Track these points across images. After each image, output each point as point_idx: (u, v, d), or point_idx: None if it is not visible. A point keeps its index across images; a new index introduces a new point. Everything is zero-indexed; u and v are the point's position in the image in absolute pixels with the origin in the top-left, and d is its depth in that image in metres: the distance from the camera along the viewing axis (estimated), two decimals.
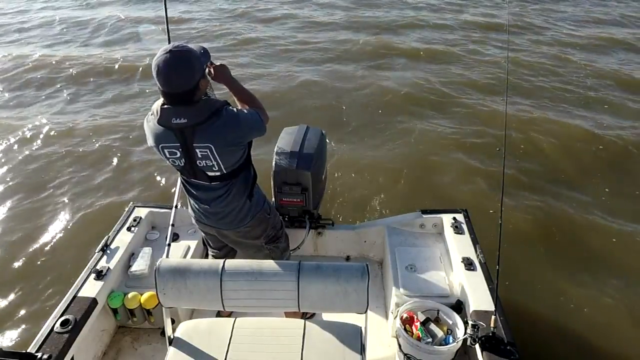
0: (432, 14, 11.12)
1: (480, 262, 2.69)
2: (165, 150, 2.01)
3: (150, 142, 2.03)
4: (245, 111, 2.05)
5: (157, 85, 1.85)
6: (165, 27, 2.76)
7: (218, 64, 2.18)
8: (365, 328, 2.06)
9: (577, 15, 11.08)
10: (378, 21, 10.61)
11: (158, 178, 5.14)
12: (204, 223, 2.33)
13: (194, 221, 2.40)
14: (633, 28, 10.21)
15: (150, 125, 1.99)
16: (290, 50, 8.93)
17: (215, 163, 2.00)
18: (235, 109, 2.01)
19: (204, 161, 2.00)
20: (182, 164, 2.04)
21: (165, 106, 1.90)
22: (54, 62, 8.41)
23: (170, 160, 2.05)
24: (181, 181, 2.27)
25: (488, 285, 2.53)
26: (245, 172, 2.18)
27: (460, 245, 2.86)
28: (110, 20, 10.95)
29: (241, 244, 2.42)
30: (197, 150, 1.96)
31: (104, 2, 12.66)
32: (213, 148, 1.94)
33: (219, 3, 12.15)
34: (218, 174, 2.06)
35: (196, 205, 2.27)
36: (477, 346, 2.22)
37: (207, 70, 2.03)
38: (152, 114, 1.97)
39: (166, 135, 1.94)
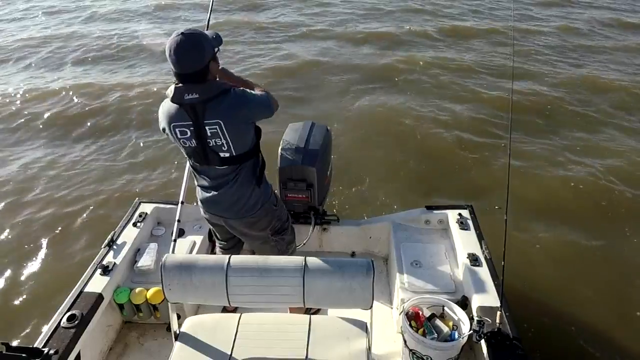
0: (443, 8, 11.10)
1: (485, 258, 2.68)
2: (177, 130, 2.08)
3: (163, 124, 2.12)
4: (253, 92, 2.15)
5: (171, 68, 1.99)
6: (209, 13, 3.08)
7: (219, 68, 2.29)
8: (371, 324, 2.06)
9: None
10: (385, 12, 10.59)
11: (164, 174, 5.15)
12: (212, 213, 2.37)
13: (202, 212, 2.43)
14: None
15: (164, 106, 2.10)
16: (295, 45, 8.92)
17: (224, 142, 2.06)
18: (242, 89, 2.12)
19: (214, 140, 2.06)
20: (194, 145, 2.10)
21: (179, 85, 2.00)
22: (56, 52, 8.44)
23: (181, 140, 2.11)
24: (191, 171, 2.33)
25: (493, 281, 2.52)
26: (254, 159, 2.24)
27: (465, 241, 2.85)
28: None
29: (248, 235, 2.45)
30: (207, 128, 2.03)
31: None
32: (222, 124, 2.01)
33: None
34: (228, 155, 2.12)
35: (205, 194, 2.31)
36: (482, 342, 2.22)
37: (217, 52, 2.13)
38: (166, 97, 2.07)
39: (179, 113, 2.03)
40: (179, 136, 2.09)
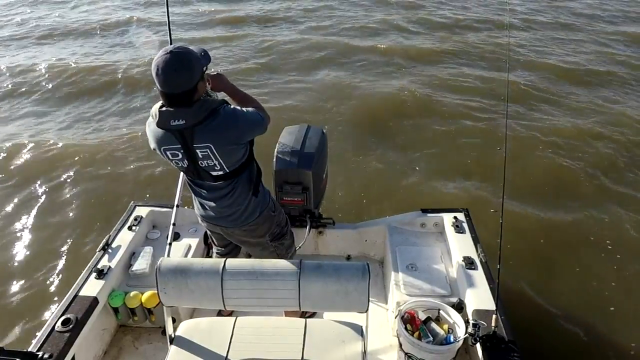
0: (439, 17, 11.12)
1: (481, 261, 2.69)
2: (168, 153, 2.02)
3: (152, 145, 2.04)
4: (244, 109, 2.05)
5: (156, 86, 1.86)
6: (168, 29, 2.76)
7: (214, 73, 2.19)
8: (366, 327, 2.06)
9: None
10: (379, 23, 10.60)
11: (159, 177, 5.14)
12: (210, 222, 2.34)
13: (200, 220, 2.41)
14: None
15: (151, 128, 2.00)
16: (292, 50, 8.92)
17: (216, 162, 2.01)
18: (233, 107, 2.02)
19: (205, 161, 2.01)
20: (186, 165, 2.06)
21: (164, 109, 1.90)
22: (55, 68, 8.41)
23: (173, 162, 2.06)
24: (187, 182, 2.28)
25: (489, 285, 2.53)
26: (249, 169, 2.18)
27: (461, 245, 2.85)
28: (112, 25, 10.94)
29: (246, 242, 2.43)
30: (198, 151, 1.97)
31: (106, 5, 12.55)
32: (213, 147, 1.95)
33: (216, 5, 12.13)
34: (221, 173, 2.07)
35: (202, 204, 2.28)
36: (478, 345, 2.22)
37: (206, 75, 2.02)
38: (151, 117, 1.97)
39: (167, 137, 1.95)
40: (170, 157, 2.04)
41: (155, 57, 1.82)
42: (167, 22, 2.81)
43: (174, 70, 1.80)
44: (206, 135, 1.92)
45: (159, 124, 1.92)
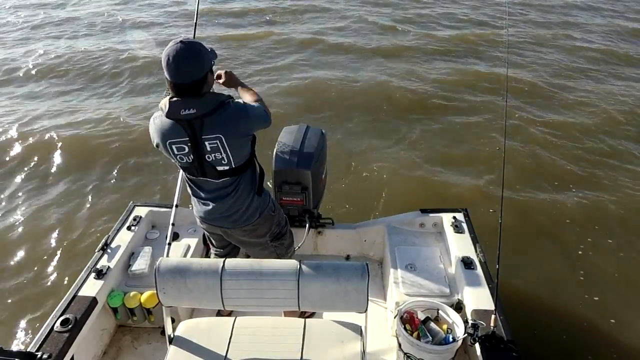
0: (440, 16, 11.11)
1: (480, 261, 2.69)
2: (174, 147, 2.01)
3: (156, 140, 2.04)
4: (251, 103, 2.11)
5: (166, 79, 1.90)
6: (194, 23, 2.88)
7: (224, 71, 2.27)
8: (365, 327, 2.06)
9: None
10: (383, 20, 10.59)
11: (158, 177, 5.13)
12: (209, 223, 2.33)
13: (199, 222, 2.40)
14: None
15: (157, 122, 2.01)
16: (292, 48, 8.92)
17: (224, 156, 2.02)
18: (240, 101, 2.07)
19: (213, 154, 2.02)
20: (191, 160, 2.05)
21: (174, 99, 1.92)
22: (56, 60, 8.40)
23: (178, 157, 2.06)
24: (187, 182, 2.27)
25: (488, 284, 2.53)
26: (252, 168, 2.20)
27: (460, 245, 2.86)
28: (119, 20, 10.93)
29: (246, 243, 2.42)
30: (207, 143, 1.98)
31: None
32: (223, 138, 1.96)
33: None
34: (227, 168, 2.08)
35: (202, 205, 2.27)
36: (477, 345, 2.22)
37: (216, 73, 2.09)
38: (159, 111, 1.99)
39: (174, 130, 1.96)
40: (175, 152, 2.03)
41: (165, 48, 1.86)
42: (195, 18, 2.91)
43: (185, 59, 1.85)
44: (216, 126, 1.94)
45: (168, 114, 1.93)
